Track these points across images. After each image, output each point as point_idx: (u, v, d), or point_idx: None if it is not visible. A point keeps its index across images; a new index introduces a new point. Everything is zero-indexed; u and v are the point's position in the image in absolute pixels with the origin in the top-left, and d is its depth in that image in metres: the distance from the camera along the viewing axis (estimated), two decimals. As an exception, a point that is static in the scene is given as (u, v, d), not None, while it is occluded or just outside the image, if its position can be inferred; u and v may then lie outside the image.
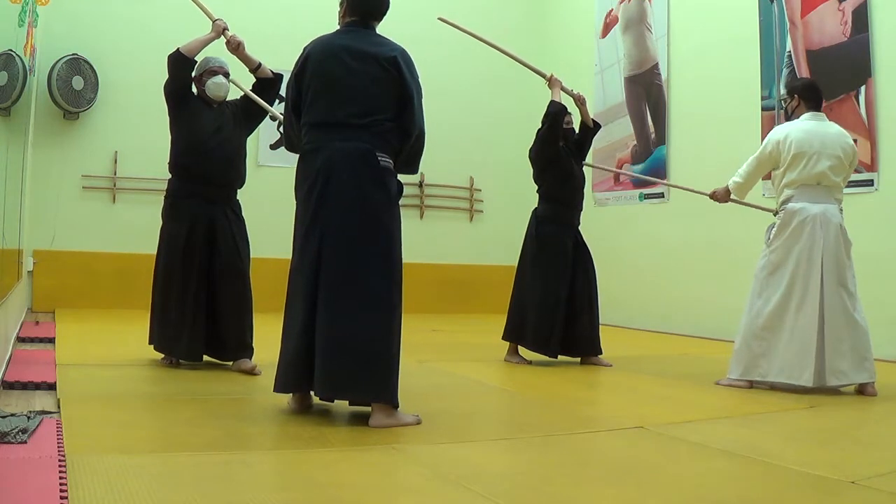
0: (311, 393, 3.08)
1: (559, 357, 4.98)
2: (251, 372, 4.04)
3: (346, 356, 2.86)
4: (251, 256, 4.38)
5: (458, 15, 9.38)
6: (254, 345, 4.22)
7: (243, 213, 4.47)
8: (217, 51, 5.05)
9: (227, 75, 4.41)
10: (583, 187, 5.17)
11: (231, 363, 4.18)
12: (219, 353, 4.22)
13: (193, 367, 4.18)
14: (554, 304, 4.92)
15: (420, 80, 3.13)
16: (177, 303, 4.12)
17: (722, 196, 4.56)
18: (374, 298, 2.91)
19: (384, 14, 3.18)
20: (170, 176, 4.35)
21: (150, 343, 4.26)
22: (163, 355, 4.22)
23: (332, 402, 3.08)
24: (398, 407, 2.93)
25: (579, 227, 5.20)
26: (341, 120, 2.99)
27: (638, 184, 8.22)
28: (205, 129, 4.24)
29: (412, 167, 3.21)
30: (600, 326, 5.15)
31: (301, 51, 3.18)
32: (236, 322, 4.17)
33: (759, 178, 4.43)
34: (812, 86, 4.30)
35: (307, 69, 3.10)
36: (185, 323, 4.09)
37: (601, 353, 5.03)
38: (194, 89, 4.38)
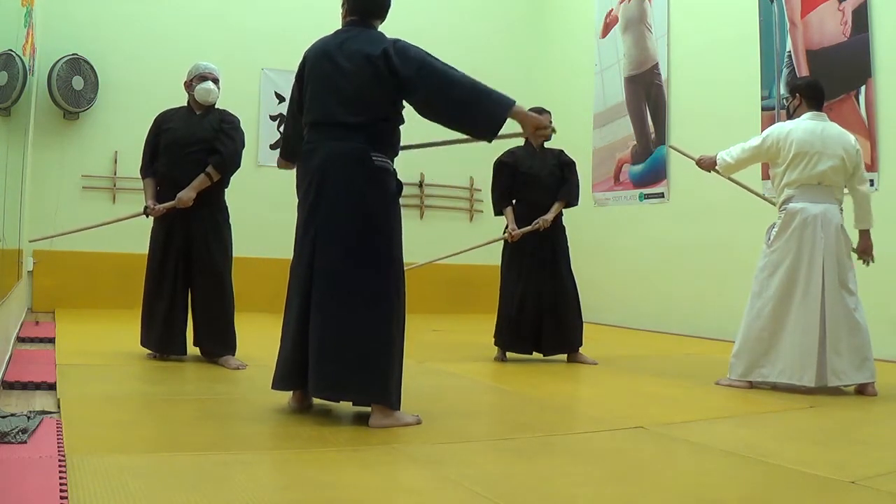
0: (310, 392, 3.09)
1: (539, 356, 5.05)
2: (235, 368, 4.18)
3: (339, 356, 2.86)
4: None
5: (459, 15, 9.44)
6: (237, 342, 4.37)
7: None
8: (206, 56, 5.06)
9: (216, 81, 4.49)
10: (543, 183, 5.07)
11: (216, 360, 4.32)
12: (200, 348, 4.41)
13: (185, 366, 4.22)
14: (511, 300, 5.00)
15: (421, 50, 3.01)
16: (155, 300, 4.36)
17: (707, 165, 4.51)
18: (369, 298, 2.90)
19: (386, 12, 3.18)
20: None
21: (141, 344, 4.44)
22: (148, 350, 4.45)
23: (338, 401, 3.07)
24: (398, 408, 2.93)
25: (559, 226, 5.15)
26: (336, 120, 3.00)
27: (638, 184, 8.22)
28: (178, 140, 4.39)
29: (465, 113, 2.86)
30: (583, 325, 5.14)
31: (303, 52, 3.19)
32: (211, 319, 4.35)
33: (748, 166, 4.43)
34: (815, 85, 4.29)
35: (305, 71, 3.13)
36: (160, 317, 4.32)
37: (574, 351, 5.06)
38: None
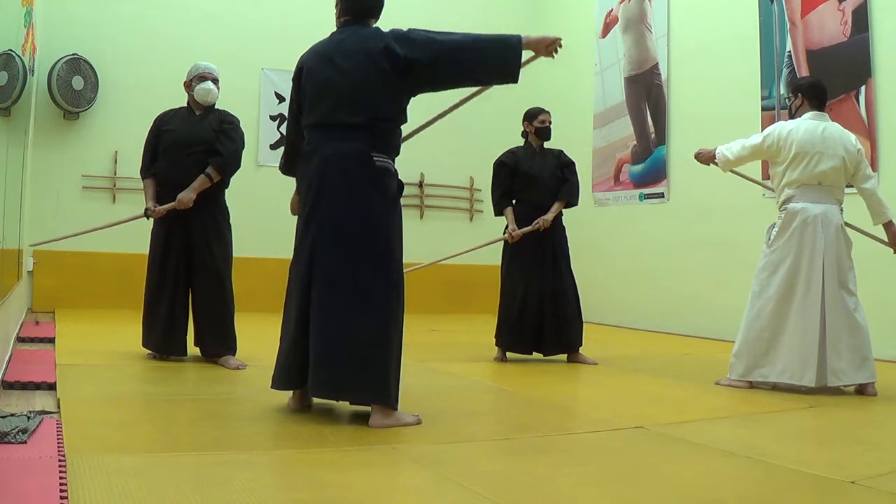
0: (310, 392, 3.09)
1: (539, 356, 5.04)
2: (235, 368, 4.19)
3: (338, 356, 2.86)
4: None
5: (459, 15, 9.45)
6: (237, 342, 4.38)
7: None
8: (207, 56, 5.06)
9: (215, 81, 4.49)
10: (544, 184, 5.07)
11: (216, 360, 4.33)
12: (200, 349, 4.41)
13: (185, 366, 4.23)
14: (512, 301, 5.00)
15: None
16: (156, 301, 4.36)
17: (705, 158, 4.52)
18: (368, 299, 2.90)
19: (380, 11, 3.15)
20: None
21: (143, 346, 4.45)
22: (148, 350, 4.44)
23: (338, 401, 3.07)
24: (396, 408, 2.93)
25: (559, 227, 5.15)
26: (337, 121, 2.99)
27: (638, 184, 8.22)
28: (178, 141, 4.39)
29: (483, 71, 2.97)
30: (583, 324, 5.14)
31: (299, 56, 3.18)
32: (211, 319, 4.35)
33: (747, 164, 4.42)
34: (817, 85, 4.28)
35: (302, 77, 3.12)
36: (161, 318, 4.31)
37: (575, 351, 5.05)
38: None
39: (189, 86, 4.49)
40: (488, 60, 2.95)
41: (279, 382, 3.07)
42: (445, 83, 3.04)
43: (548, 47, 2.99)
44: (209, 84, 4.44)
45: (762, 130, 4.37)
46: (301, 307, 2.95)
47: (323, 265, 2.93)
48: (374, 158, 2.96)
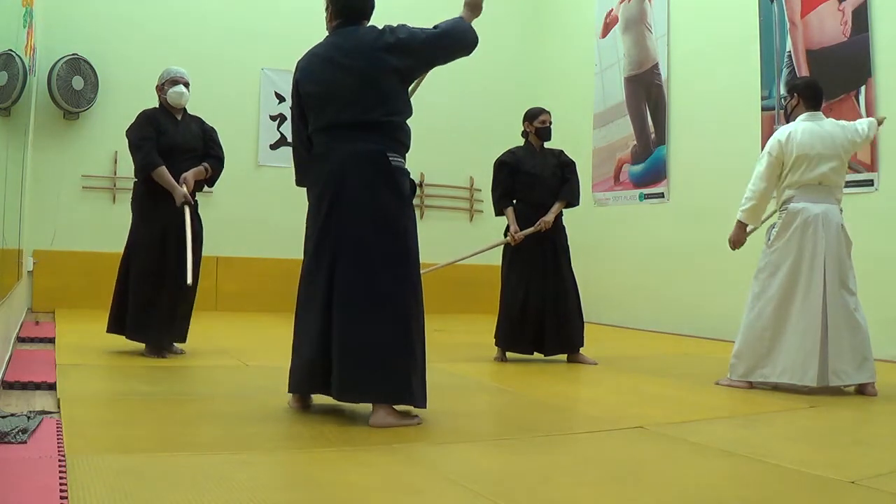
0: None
1: (540, 356, 5.03)
2: (180, 353, 4.46)
3: (363, 360, 2.85)
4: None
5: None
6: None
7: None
8: (178, 61, 5.07)
9: (186, 85, 4.62)
10: (544, 184, 5.07)
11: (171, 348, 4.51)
12: (170, 338, 4.52)
13: (185, 366, 4.24)
14: (513, 301, 5.00)
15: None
16: (153, 295, 4.42)
17: (738, 235, 4.30)
18: (388, 300, 2.90)
19: (371, 10, 3.14)
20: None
21: (109, 331, 4.55)
22: (143, 344, 4.50)
23: (359, 403, 3.05)
24: (424, 406, 2.94)
25: (560, 226, 5.14)
26: (348, 121, 2.98)
27: (638, 184, 8.22)
28: (175, 145, 4.51)
29: (455, 49, 3.14)
30: (584, 325, 5.13)
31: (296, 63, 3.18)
32: (185, 309, 4.51)
33: (773, 191, 4.19)
34: (813, 85, 4.28)
35: (302, 83, 3.10)
36: (158, 313, 4.39)
37: (576, 351, 5.04)
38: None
39: (161, 89, 4.61)
40: (456, 43, 3.10)
41: (297, 386, 3.05)
42: (429, 66, 3.15)
43: (478, 9, 3.21)
44: (181, 87, 4.57)
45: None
46: (323, 314, 2.92)
47: (345, 270, 2.92)
48: (390, 158, 2.97)
